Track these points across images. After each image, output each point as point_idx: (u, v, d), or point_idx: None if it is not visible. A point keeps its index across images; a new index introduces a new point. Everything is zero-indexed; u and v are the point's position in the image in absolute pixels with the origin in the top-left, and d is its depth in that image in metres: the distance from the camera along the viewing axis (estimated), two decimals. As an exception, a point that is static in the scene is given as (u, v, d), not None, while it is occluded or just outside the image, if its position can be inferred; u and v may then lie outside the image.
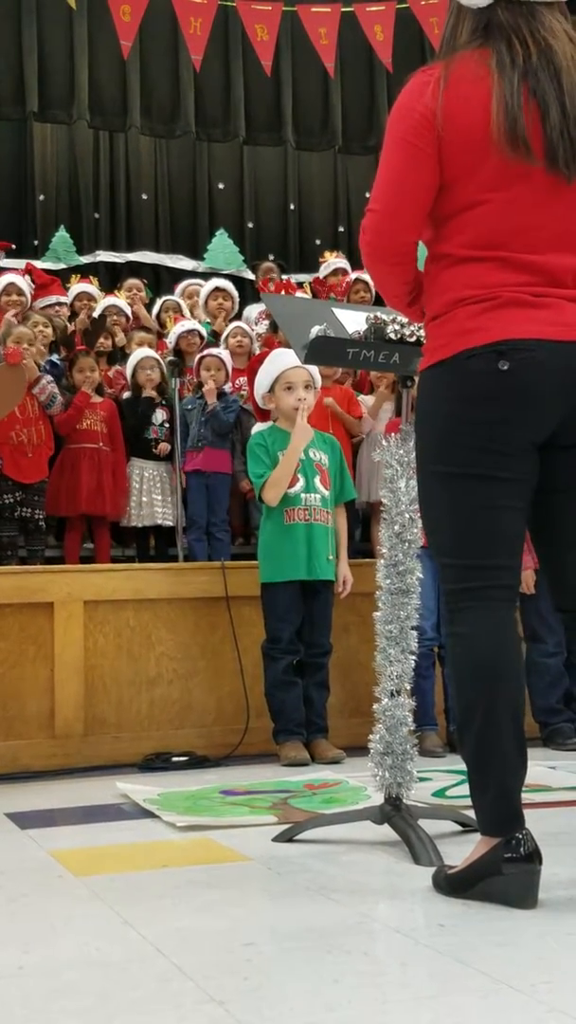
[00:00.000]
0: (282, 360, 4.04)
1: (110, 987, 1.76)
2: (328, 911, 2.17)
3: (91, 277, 7.94)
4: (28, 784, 3.72)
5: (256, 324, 6.93)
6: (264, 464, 4.04)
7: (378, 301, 6.63)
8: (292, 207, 10.88)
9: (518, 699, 2.16)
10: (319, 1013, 1.63)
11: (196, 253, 10.31)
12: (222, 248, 10.14)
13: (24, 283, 6.52)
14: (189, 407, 5.80)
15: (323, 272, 7.83)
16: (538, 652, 4.19)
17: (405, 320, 2.58)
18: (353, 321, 2.75)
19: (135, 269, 9.89)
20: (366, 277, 7.00)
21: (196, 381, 5.88)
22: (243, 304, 7.56)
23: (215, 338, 6.71)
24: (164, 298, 7.47)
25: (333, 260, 7.91)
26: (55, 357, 6.09)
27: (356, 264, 7.52)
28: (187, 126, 10.39)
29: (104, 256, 10.11)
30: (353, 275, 7.18)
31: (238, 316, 7.26)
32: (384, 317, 2.63)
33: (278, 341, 5.84)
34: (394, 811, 2.64)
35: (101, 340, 6.39)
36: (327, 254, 8.18)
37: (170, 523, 5.72)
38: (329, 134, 10.85)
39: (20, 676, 3.98)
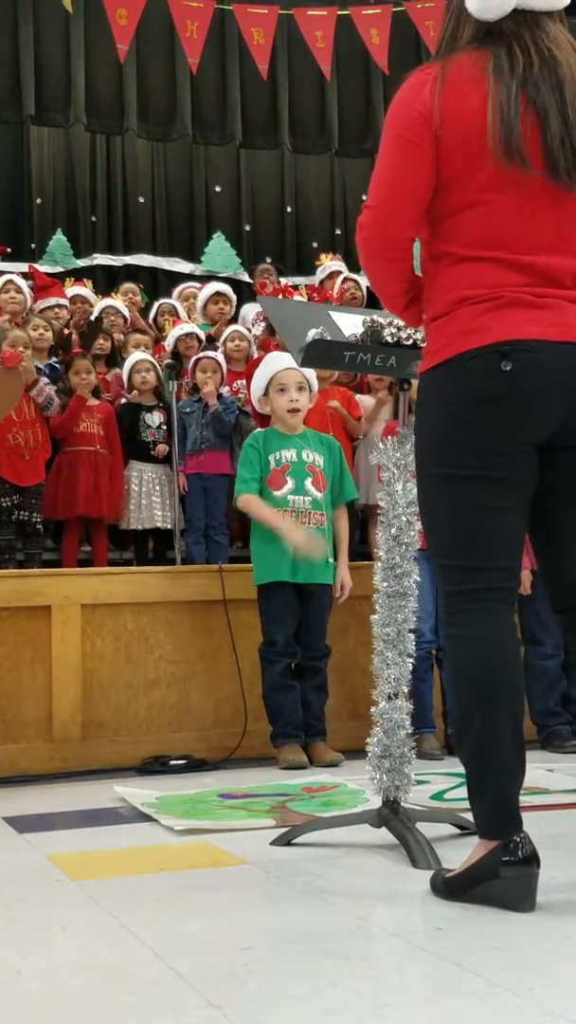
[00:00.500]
0: (275, 362, 4.05)
1: (108, 992, 1.76)
2: (326, 915, 2.17)
3: (85, 280, 7.94)
4: (26, 788, 3.71)
5: (253, 325, 6.93)
6: (251, 468, 4.03)
7: (370, 300, 6.65)
8: (289, 210, 10.89)
9: (517, 702, 2.16)
10: (317, 1017, 1.63)
11: (193, 256, 10.32)
12: (219, 251, 10.15)
13: (24, 283, 6.51)
14: (187, 410, 5.80)
15: (319, 275, 7.84)
16: (536, 654, 4.19)
17: (402, 323, 2.58)
18: (350, 324, 2.75)
19: (132, 272, 9.90)
20: (356, 276, 7.02)
21: (192, 383, 5.89)
22: (239, 306, 7.56)
23: (211, 341, 6.72)
24: (160, 301, 7.47)
25: (329, 263, 7.92)
26: (54, 360, 6.09)
27: (353, 266, 7.53)
28: (184, 129, 10.40)
29: (101, 259, 10.11)
30: (341, 278, 7.18)
31: (234, 319, 7.26)
32: (381, 320, 2.63)
33: (274, 344, 5.84)
34: (392, 814, 2.64)
35: (100, 342, 6.39)
36: (323, 257, 8.19)
37: (168, 526, 5.72)
38: (325, 137, 10.86)
39: (18, 680, 3.98)
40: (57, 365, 5.97)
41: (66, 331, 6.45)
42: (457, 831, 2.78)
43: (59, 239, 9.71)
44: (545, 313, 2.11)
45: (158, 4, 8.99)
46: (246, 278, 9.35)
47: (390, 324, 2.60)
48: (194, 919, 2.15)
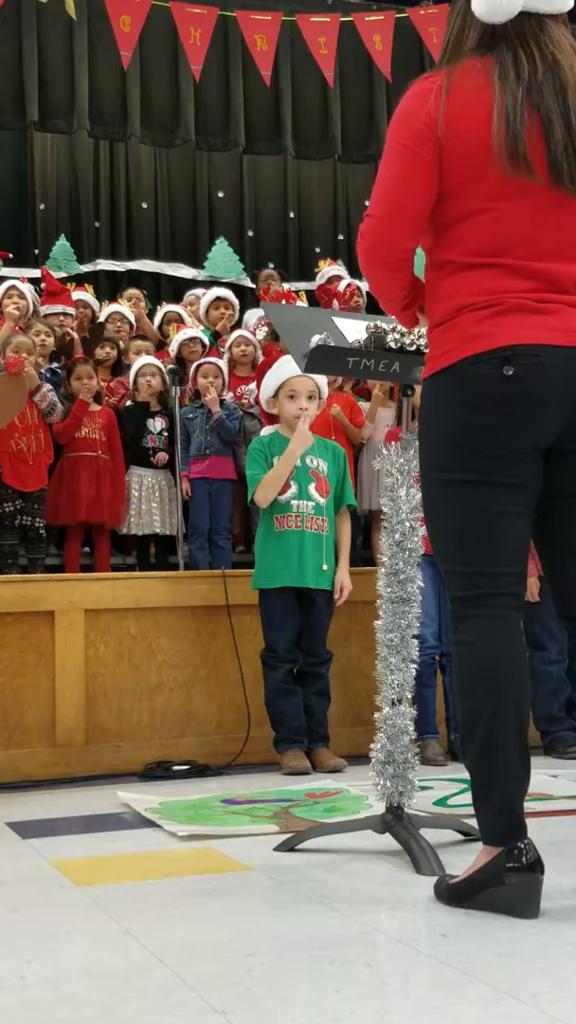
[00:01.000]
0: (289, 367, 4.04)
1: (112, 998, 1.76)
2: (330, 921, 2.16)
3: (87, 285, 7.96)
4: (29, 793, 3.71)
5: (256, 331, 6.94)
6: (261, 466, 4.05)
7: (372, 307, 6.66)
8: (292, 215, 10.90)
9: (523, 708, 2.15)
10: (322, 1023, 1.63)
11: (196, 262, 10.33)
12: (222, 257, 10.16)
13: (26, 288, 6.52)
14: (190, 416, 5.80)
15: (319, 280, 7.86)
16: (540, 660, 4.19)
17: (405, 329, 2.58)
18: (353, 330, 2.75)
19: (135, 278, 9.92)
20: (360, 283, 7.03)
21: (193, 388, 5.89)
22: (242, 312, 7.57)
23: (216, 338, 6.73)
24: (166, 308, 7.49)
25: (328, 268, 7.94)
26: (55, 365, 6.10)
27: (354, 272, 7.54)
28: (187, 135, 10.42)
29: (104, 265, 10.13)
30: (346, 280, 7.19)
31: (237, 324, 7.27)
32: (384, 326, 2.63)
33: (278, 349, 5.85)
34: (395, 820, 2.64)
35: (108, 350, 6.40)
36: (322, 263, 8.21)
37: (168, 532, 5.72)
38: (328, 143, 10.88)
39: (21, 685, 3.98)
40: (59, 370, 5.98)
41: (68, 336, 6.46)
42: (461, 837, 2.78)
43: (62, 245, 9.73)
44: (547, 318, 2.11)
45: (161, 11, 9.02)
46: (249, 283, 9.36)
47: (393, 330, 2.60)
48: (198, 925, 2.15)
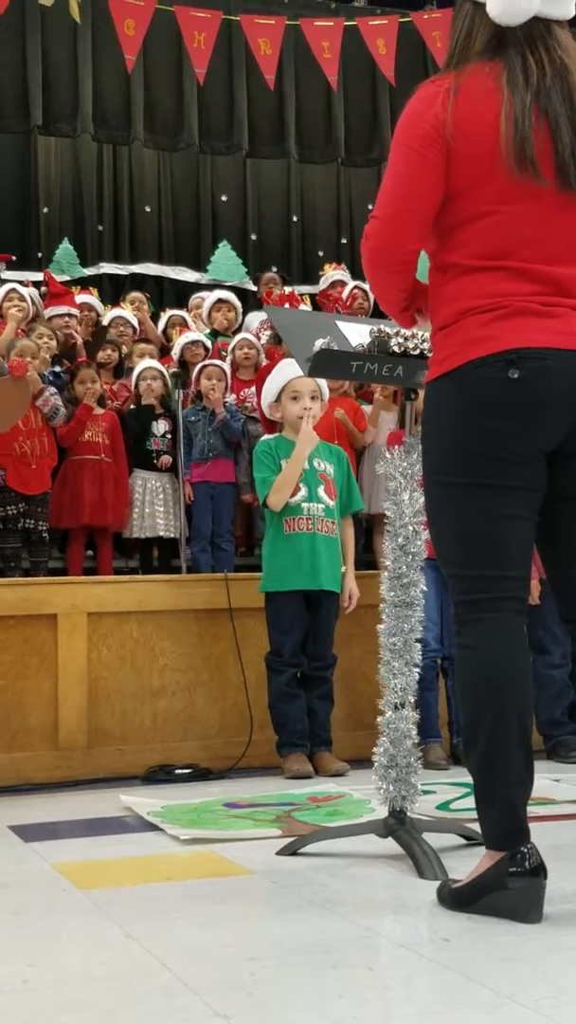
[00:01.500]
0: (290, 370, 4.04)
1: (115, 1002, 1.76)
2: (332, 925, 2.16)
3: (91, 288, 7.97)
4: (31, 796, 3.71)
5: (259, 334, 6.94)
6: (269, 469, 4.04)
7: (376, 310, 6.66)
8: (295, 219, 10.91)
9: (526, 712, 2.15)
10: (324, 1028, 1.62)
11: (199, 265, 10.33)
12: (225, 260, 10.16)
13: (27, 291, 6.53)
14: (193, 418, 5.80)
15: (322, 284, 7.86)
16: (543, 663, 4.18)
17: (409, 333, 2.58)
18: (357, 334, 2.75)
19: (138, 281, 9.92)
20: (364, 285, 7.03)
21: (196, 391, 5.90)
22: (245, 315, 7.57)
23: (215, 337, 6.73)
24: (170, 313, 7.49)
25: (332, 273, 7.94)
26: (57, 368, 6.10)
27: (357, 275, 7.54)
28: (190, 139, 10.43)
29: (107, 268, 10.14)
30: (350, 286, 7.19)
31: (240, 328, 7.27)
32: (388, 330, 2.63)
33: (280, 353, 5.85)
34: (398, 824, 2.64)
35: (109, 352, 6.40)
36: (326, 267, 8.22)
37: (171, 535, 5.72)
38: (332, 147, 10.89)
39: (24, 688, 3.98)
40: (62, 373, 5.99)
41: (71, 340, 6.47)
42: (464, 841, 2.77)
43: (66, 248, 9.74)
44: (552, 321, 2.11)
45: (165, 15, 9.04)
46: (252, 287, 9.37)
47: (397, 334, 2.60)
48: (200, 929, 2.15)
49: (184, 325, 7.04)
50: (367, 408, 5.90)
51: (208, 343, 6.52)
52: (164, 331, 7.24)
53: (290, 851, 2.74)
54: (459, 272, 2.17)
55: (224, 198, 10.72)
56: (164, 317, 7.41)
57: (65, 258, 9.67)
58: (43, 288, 6.89)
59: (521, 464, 2.13)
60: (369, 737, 2.81)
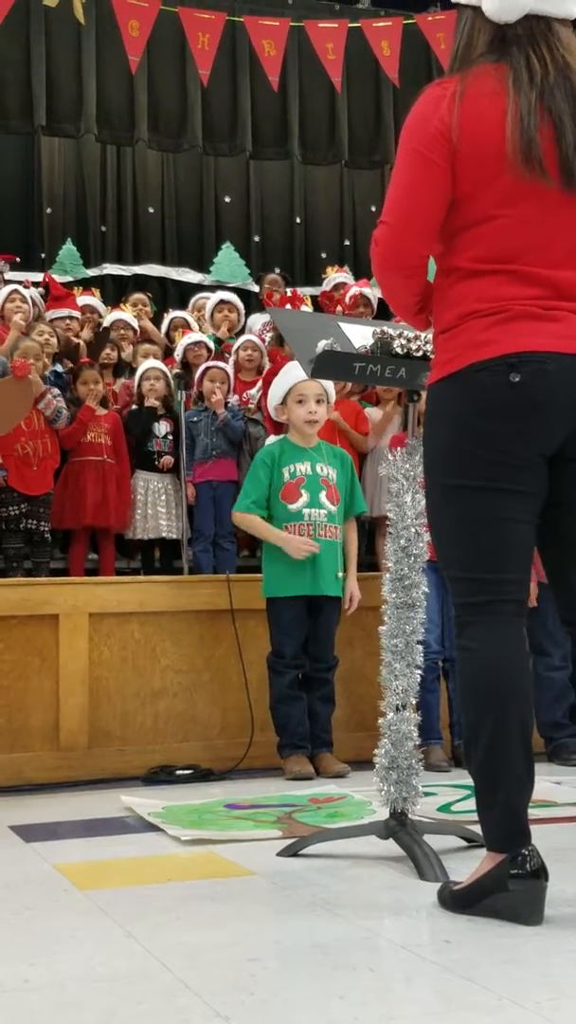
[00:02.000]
0: (296, 372, 4.04)
1: (115, 1002, 1.76)
2: (333, 926, 2.16)
3: (94, 289, 7.96)
4: (32, 797, 3.71)
5: (264, 335, 6.94)
6: (257, 488, 4.03)
7: (379, 315, 6.66)
8: (298, 220, 10.91)
9: (526, 714, 2.16)
10: (324, 1029, 1.63)
11: (202, 266, 10.34)
12: (228, 261, 10.17)
13: (28, 292, 6.53)
14: (195, 419, 5.81)
15: (325, 287, 7.85)
16: (543, 666, 4.18)
17: (412, 335, 2.58)
18: (360, 335, 2.75)
19: (141, 282, 9.92)
20: (366, 291, 7.03)
21: (198, 392, 5.90)
22: (247, 316, 7.57)
23: (219, 344, 6.73)
24: (173, 314, 7.49)
25: (335, 275, 7.94)
26: (59, 368, 6.11)
27: (361, 276, 7.54)
28: (194, 140, 10.43)
29: (111, 269, 10.14)
30: (352, 290, 7.19)
31: (243, 329, 7.27)
32: (391, 332, 2.63)
33: (283, 354, 5.85)
34: (399, 826, 2.64)
35: (107, 352, 6.40)
36: (329, 269, 8.21)
37: (174, 535, 5.72)
38: (335, 148, 10.89)
39: (25, 688, 3.98)
40: (64, 374, 6.00)
41: (74, 341, 6.47)
42: (464, 843, 2.77)
43: (69, 249, 9.75)
44: (554, 325, 2.12)
45: (170, 16, 9.04)
46: (255, 288, 9.37)
47: (400, 336, 2.60)
48: (201, 929, 2.15)
49: (186, 327, 7.04)
50: (369, 411, 5.90)
51: (211, 344, 6.52)
52: (167, 333, 7.24)
53: (291, 852, 2.74)
54: (462, 276, 2.17)
55: (227, 199, 10.72)
56: (167, 319, 7.41)
57: (68, 259, 9.68)
58: (42, 290, 6.88)
59: (521, 468, 2.14)
60: (370, 739, 2.81)
